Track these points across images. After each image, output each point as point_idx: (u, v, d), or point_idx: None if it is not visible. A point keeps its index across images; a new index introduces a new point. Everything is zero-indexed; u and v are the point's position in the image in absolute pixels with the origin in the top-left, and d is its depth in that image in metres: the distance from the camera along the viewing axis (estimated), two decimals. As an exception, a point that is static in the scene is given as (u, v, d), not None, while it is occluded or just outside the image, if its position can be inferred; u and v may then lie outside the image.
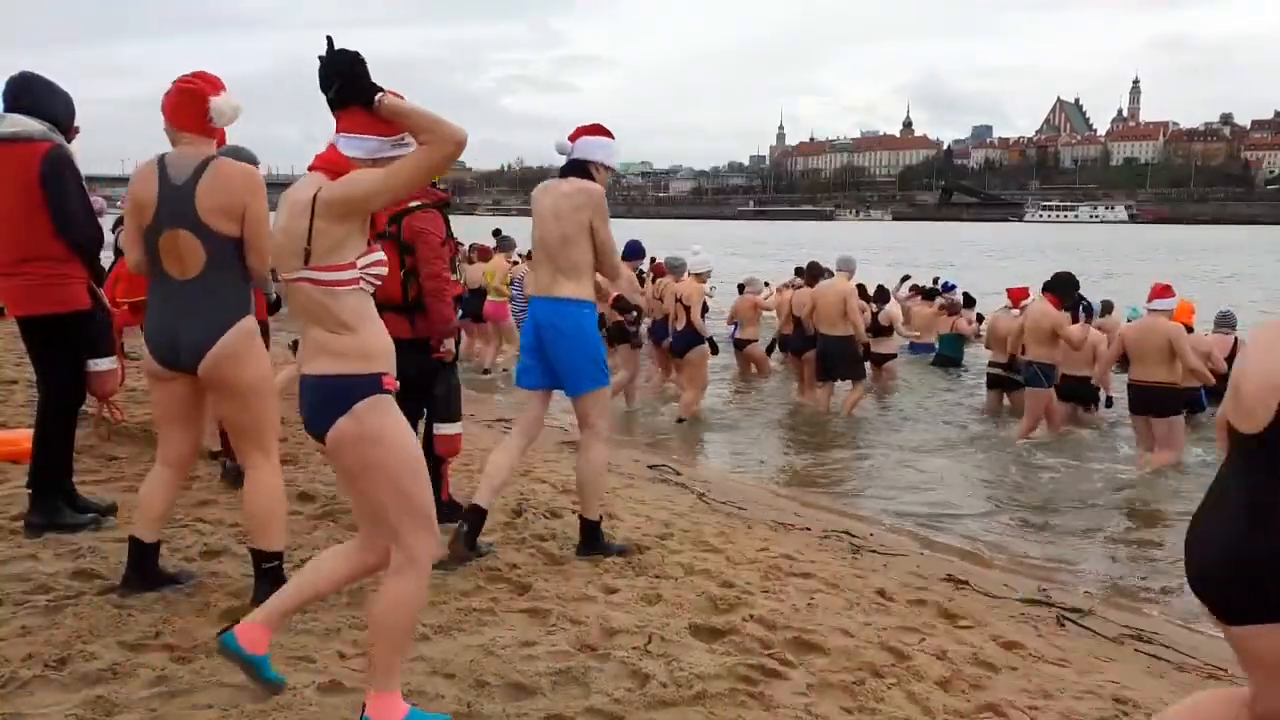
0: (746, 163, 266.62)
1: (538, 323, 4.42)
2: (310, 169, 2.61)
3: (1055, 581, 5.36)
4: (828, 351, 9.87)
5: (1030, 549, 6.07)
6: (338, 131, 2.61)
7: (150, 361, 3.40)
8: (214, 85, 3.41)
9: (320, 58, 2.59)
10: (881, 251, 47.82)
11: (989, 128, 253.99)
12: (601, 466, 4.51)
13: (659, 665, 3.22)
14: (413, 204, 4.58)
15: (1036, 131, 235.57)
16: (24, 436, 4.93)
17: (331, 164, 2.57)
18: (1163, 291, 7.85)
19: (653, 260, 13.18)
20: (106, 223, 5.21)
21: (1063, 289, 8.66)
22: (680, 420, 9.57)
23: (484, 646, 3.30)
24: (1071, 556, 5.97)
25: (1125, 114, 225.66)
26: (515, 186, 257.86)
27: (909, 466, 8.12)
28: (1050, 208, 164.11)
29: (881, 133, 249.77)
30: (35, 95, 4.14)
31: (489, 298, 12.17)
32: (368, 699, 2.59)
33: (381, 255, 2.63)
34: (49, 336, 4.14)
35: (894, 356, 12.24)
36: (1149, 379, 7.75)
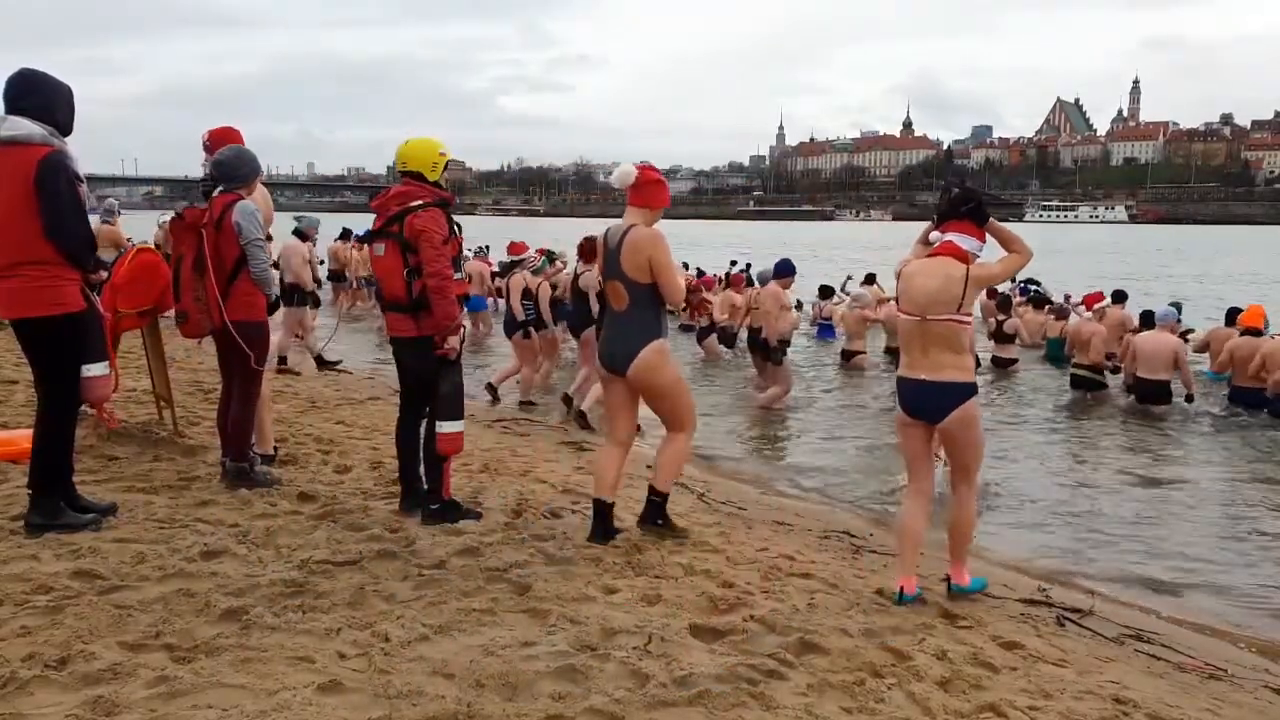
0: (746, 163, 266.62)
1: None
2: (934, 255, 4.33)
3: (1055, 581, 5.36)
4: None
5: (1033, 548, 6.07)
6: (949, 231, 4.33)
7: (600, 367, 4.80)
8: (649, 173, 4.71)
9: (952, 188, 4.47)
10: (884, 251, 47.75)
11: (989, 128, 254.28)
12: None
13: (659, 665, 3.22)
14: (414, 203, 4.58)
15: (1036, 132, 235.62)
16: (24, 436, 4.93)
17: (958, 253, 4.26)
18: None
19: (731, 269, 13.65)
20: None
21: None
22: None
23: (484, 646, 3.29)
24: (1072, 556, 5.97)
25: (1125, 114, 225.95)
26: (515, 186, 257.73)
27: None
28: (1050, 208, 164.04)
29: (881, 133, 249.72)
30: (37, 96, 4.13)
31: None
32: (951, 573, 4.52)
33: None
34: (43, 339, 4.14)
35: (1015, 361, 12.93)
36: None
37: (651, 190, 4.67)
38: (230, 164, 5.11)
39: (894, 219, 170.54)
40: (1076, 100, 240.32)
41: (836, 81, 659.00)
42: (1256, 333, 10.51)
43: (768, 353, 10.25)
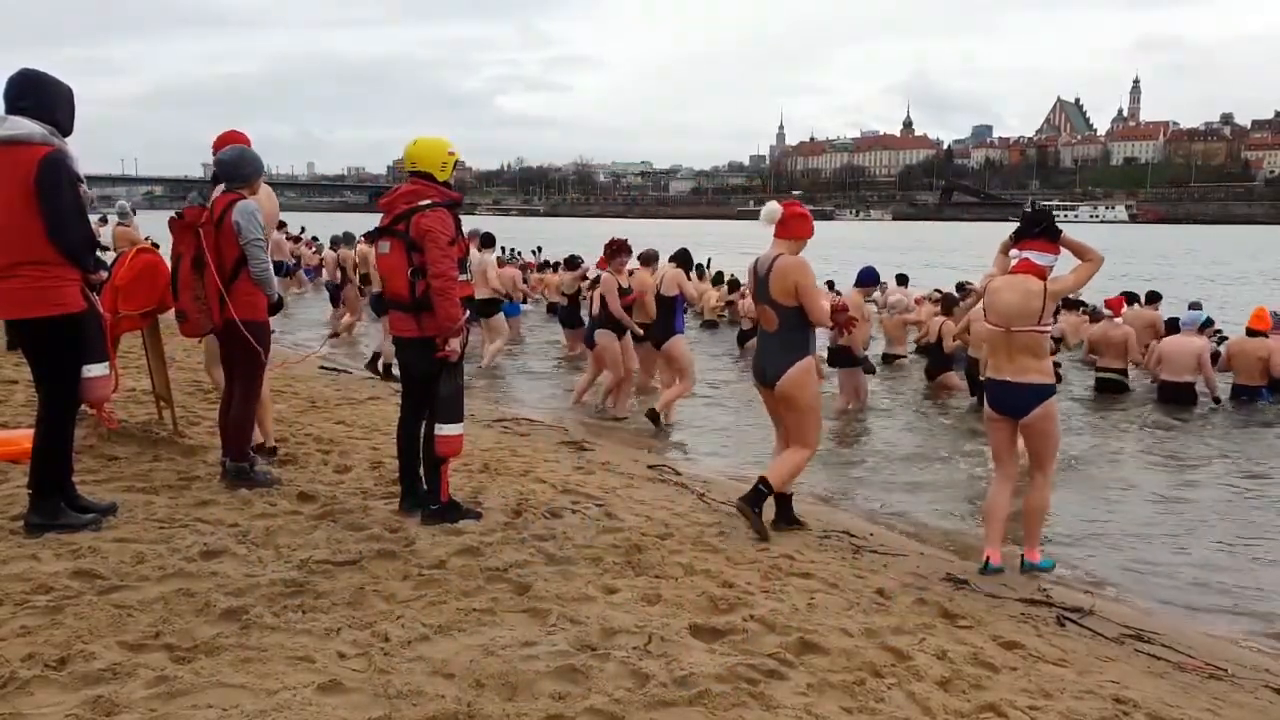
0: (746, 163, 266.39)
1: None
2: (1014, 271, 5.00)
3: (1055, 581, 5.35)
4: (971, 372, 10.09)
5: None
6: (1025, 249, 4.97)
7: (754, 380, 5.47)
8: (796, 208, 5.33)
9: (1026, 213, 5.15)
10: (889, 252, 47.86)
11: (989, 128, 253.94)
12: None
13: (659, 665, 3.22)
14: (422, 203, 4.58)
15: (1036, 131, 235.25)
16: (24, 436, 4.94)
17: (1037, 270, 4.91)
18: None
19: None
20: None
21: None
22: None
23: (484, 646, 3.29)
24: (1073, 555, 5.96)
25: (1125, 114, 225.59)
26: (514, 186, 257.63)
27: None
28: (1051, 207, 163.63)
29: (881, 133, 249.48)
30: (37, 96, 4.12)
31: None
32: (1025, 552, 5.20)
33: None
34: (44, 339, 4.14)
35: (1058, 364, 12.80)
36: None
37: (796, 223, 5.25)
38: (232, 164, 5.11)
39: (894, 219, 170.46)
40: (1076, 100, 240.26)
41: (836, 81, 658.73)
42: (1257, 334, 10.62)
43: (855, 364, 9.99)
